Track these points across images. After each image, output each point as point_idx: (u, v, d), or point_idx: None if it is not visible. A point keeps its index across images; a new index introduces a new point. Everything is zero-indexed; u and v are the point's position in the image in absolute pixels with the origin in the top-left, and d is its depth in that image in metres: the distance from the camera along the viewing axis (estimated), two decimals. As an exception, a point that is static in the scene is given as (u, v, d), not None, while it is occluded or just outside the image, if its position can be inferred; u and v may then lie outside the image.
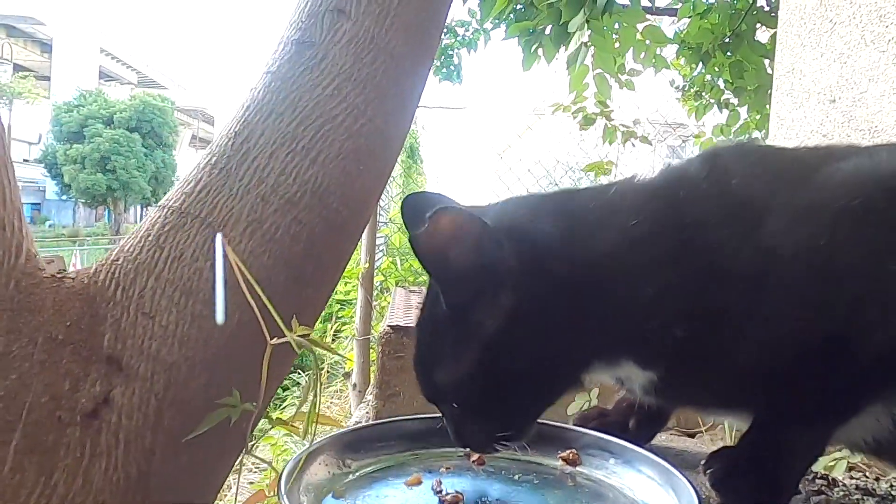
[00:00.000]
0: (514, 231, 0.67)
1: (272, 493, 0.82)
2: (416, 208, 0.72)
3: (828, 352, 0.62)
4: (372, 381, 2.54)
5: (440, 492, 0.63)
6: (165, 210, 0.70)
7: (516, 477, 0.69)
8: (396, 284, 3.48)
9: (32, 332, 0.58)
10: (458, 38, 3.63)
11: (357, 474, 0.68)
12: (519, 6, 3.35)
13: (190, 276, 0.66)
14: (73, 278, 0.64)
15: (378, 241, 3.92)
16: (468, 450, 0.72)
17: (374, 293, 3.42)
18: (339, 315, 4.43)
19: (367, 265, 3.14)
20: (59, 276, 0.63)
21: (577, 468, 0.71)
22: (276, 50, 0.80)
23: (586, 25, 3.00)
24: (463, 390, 0.67)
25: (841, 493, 0.78)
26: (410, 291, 2.49)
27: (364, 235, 3.22)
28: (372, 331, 3.11)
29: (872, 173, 0.64)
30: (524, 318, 0.65)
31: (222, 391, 0.64)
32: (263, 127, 0.74)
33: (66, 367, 0.59)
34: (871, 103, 1.62)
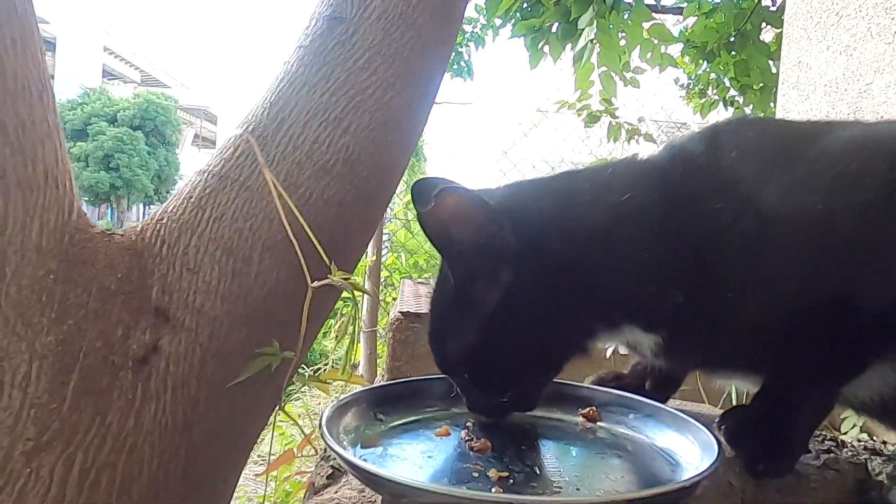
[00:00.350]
0: (514, 210, 0.70)
1: (301, 454, 0.85)
2: (425, 190, 0.76)
3: (830, 312, 0.65)
4: (379, 371, 2.57)
5: (469, 440, 0.66)
6: (206, 174, 0.73)
7: (539, 430, 0.73)
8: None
9: (87, 282, 0.62)
10: (466, 35, 3.67)
11: (388, 426, 0.71)
12: (525, 5, 3.38)
13: (230, 235, 0.69)
14: (121, 235, 0.67)
15: (382, 238, 3.95)
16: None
17: (379, 288, 3.45)
18: (344, 313, 4.45)
19: (374, 258, 3.17)
20: (108, 232, 0.67)
21: (598, 424, 0.74)
22: (308, 25, 0.83)
23: (595, 22, 3.03)
24: (470, 360, 0.71)
25: (849, 454, 0.81)
26: (418, 283, 2.53)
27: (371, 229, 3.25)
28: (378, 323, 3.14)
29: (870, 138, 0.67)
30: (523, 292, 0.68)
31: (261, 346, 0.68)
32: (297, 98, 0.77)
33: (117, 315, 0.62)
34: (876, 94, 1.65)
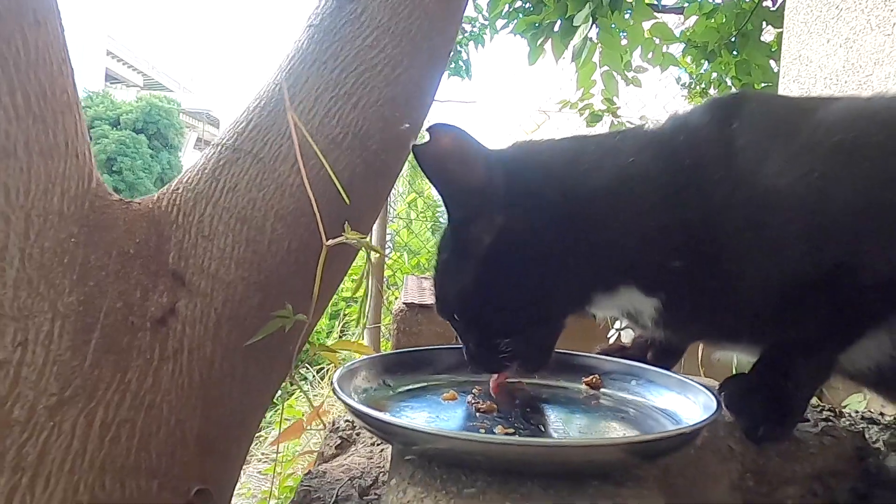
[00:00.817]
0: (513, 161, 0.72)
1: (310, 427, 0.87)
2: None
3: (828, 281, 0.66)
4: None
5: (475, 402, 0.68)
6: (220, 147, 0.75)
7: (544, 396, 0.74)
8: (405, 278, 3.53)
9: (107, 245, 0.64)
10: (466, 34, 3.70)
11: (396, 391, 0.73)
12: (528, 4, 3.40)
13: (244, 204, 0.71)
14: (139, 203, 0.70)
15: (386, 237, 3.97)
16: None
17: (383, 286, 3.47)
18: (346, 313, 4.48)
19: (378, 255, 3.18)
20: (126, 200, 0.69)
21: (602, 391, 0.76)
22: (318, 5, 0.85)
23: (591, 20, 3.05)
24: (464, 303, 0.72)
25: (847, 423, 0.82)
26: (421, 278, 2.55)
27: (375, 226, 3.28)
28: (382, 320, 3.16)
29: (866, 109, 0.69)
30: (515, 238, 0.70)
31: (275, 312, 0.70)
32: (308, 74, 0.79)
33: (136, 278, 0.64)
34: (876, 86, 1.66)
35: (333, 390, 0.60)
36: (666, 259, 0.68)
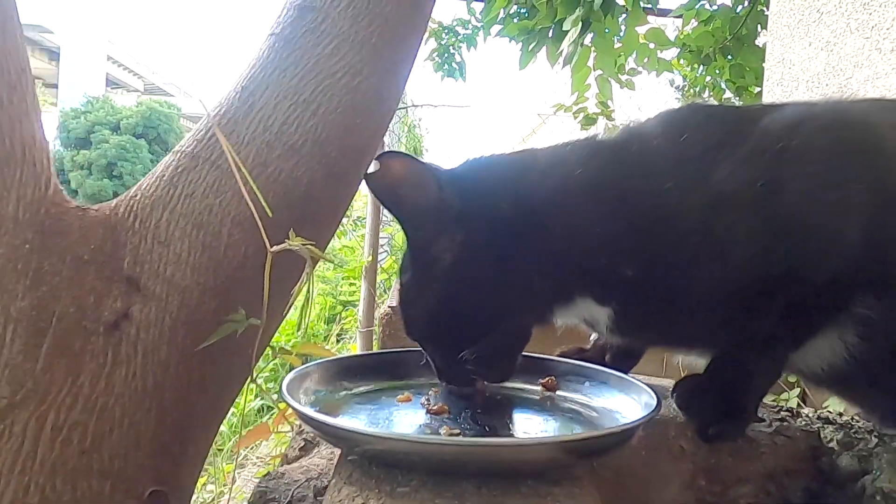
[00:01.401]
0: (464, 177, 0.75)
1: (276, 429, 0.88)
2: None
3: (776, 283, 0.68)
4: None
5: (427, 404, 0.69)
6: (179, 154, 0.77)
7: (498, 398, 0.76)
8: (399, 280, 3.53)
9: (61, 251, 0.65)
10: (459, 37, 3.71)
11: (351, 393, 0.74)
12: (523, 10, 3.41)
13: (201, 210, 0.73)
14: (96, 210, 0.71)
15: (381, 241, 3.99)
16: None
17: (378, 291, 3.48)
18: (344, 316, 4.49)
19: (370, 258, 3.20)
20: (83, 206, 0.70)
21: (557, 392, 0.77)
22: (279, 14, 0.86)
23: (582, 25, 3.05)
24: (432, 321, 0.74)
25: (803, 423, 0.83)
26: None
27: (368, 230, 3.30)
28: (375, 324, 3.17)
29: (808, 115, 0.70)
30: (474, 252, 0.72)
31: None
32: (268, 82, 0.81)
33: (90, 283, 0.65)
34: (856, 88, 1.68)
35: (279, 392, 0.61)
36: (618, 268, 0.70)
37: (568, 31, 3.00)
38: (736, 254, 0.68)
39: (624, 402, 0.69)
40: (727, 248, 0.68)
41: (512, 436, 0.62)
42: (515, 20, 3.40)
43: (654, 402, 0.62)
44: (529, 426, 0.68)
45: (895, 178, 0.69)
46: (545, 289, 0.73)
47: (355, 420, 0.65)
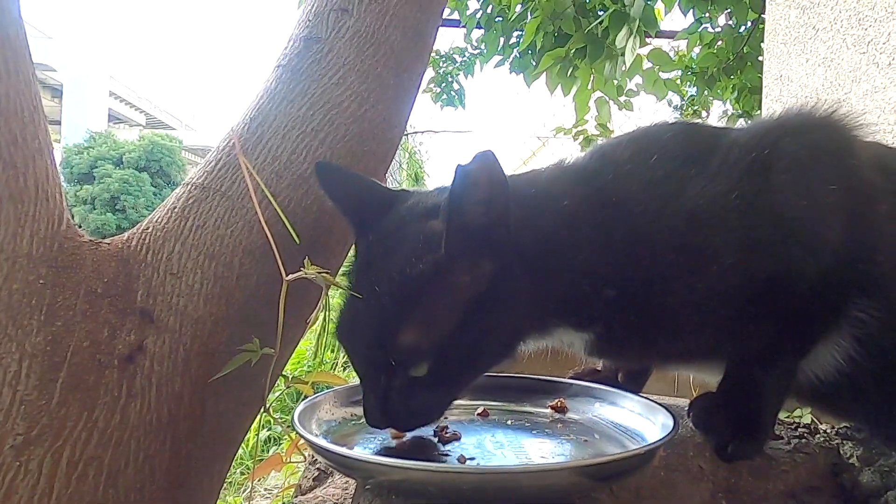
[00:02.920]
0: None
1: (288, 460, 0.87)
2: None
3: (764, 291, 0.67)
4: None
5: (442, 429, 0.69)
6: (189, 186, 0.77)
7: (509, 422, 0.75)
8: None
9: (75, 285, 0.65)
10: (456, 64, 3.75)
11: (362, 421, 0.73)
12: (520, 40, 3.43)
13: (212, 242, 0.73)
14: (108, 243, 0.71)
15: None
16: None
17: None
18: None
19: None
20: (96, 241, 0.70)
21: (567, 415, 0.76)
22: (286, 47, 0.88)
23: (637, 39, 2.99)
24: (442, 351, 0.63)
25: (822, 439, 0.82)
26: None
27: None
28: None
29: (776, 124, 0.71)
30: (498, 286, 0.64)
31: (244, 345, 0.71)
32: (276, 112, 0.82)
33: (104, 317, 0.66)
34: (854, 102, 1.69)
35: (291, 422, 0.61)
36: (601, 295, 0.67)
37: (619, 48, 2.97)
38: (716, 266, 0.67)
39: (642, 424, 0.68)
40: (707, 261, 0.67)
41: (528, 461, 0.62)
42: (515, 50, 3.43)
43: (672, 423, 0.62)
44: (543, 450, 0.67)
45: (866, 176, 0.70)
46: (527, 325, 0.69)
47: (369, 450, 0.64)
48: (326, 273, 0.66)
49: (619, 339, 0.72)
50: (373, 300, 0.63)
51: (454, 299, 0.63)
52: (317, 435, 0.65)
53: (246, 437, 0.85)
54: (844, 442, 0.83)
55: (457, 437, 0.67)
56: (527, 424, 0.74)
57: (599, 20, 2.85)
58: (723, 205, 0.66)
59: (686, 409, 0.77)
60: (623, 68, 3.11)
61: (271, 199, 0.71)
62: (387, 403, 0.62)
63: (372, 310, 0.63)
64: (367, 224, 0.70)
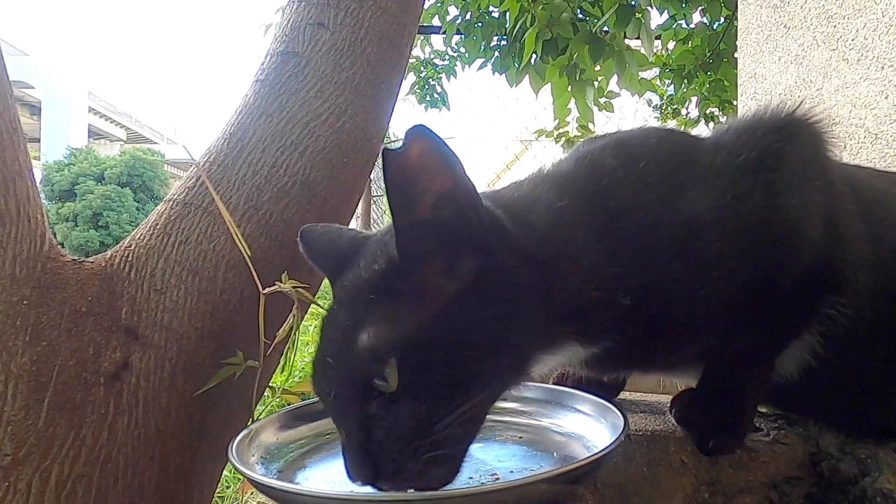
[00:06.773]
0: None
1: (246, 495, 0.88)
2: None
3: (756, 290, 0.69)
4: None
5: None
6: (171, 202, 0.78)
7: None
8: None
9: (59, 305, 0.66)
10: (437, 68, 3.77)
11: (317, 442, 0.70)
12: (503, 41, 3.45)
13: (195, 257, 0.74)
14: (91, 262, 0.72)
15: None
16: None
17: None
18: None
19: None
20: (79, 260, 0.71)
21: (522, 419, 0.77)
22: (263, 62, 0.89)
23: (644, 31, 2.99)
24: (416, 352, 0.54)
25: (800, 429, 0.84)
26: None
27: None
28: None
29: (757, 124, 0.72)
30: (490, 285, 0.58)
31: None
32: (255, 127, 0.83)
33: (89, 335, 0.66)
34: (826, 98, 1.72)
35: (230, 460, 0.58)
36: (611, 301, 0.66)
37: (611, 45, 2.98)
38: (718, 271, 0.68)
39: (593, 428, 0.68)
40: (710, 265, 0.68)
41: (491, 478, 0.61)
42: (497, 52, 3.45)
43: (621, 427, 0.61)
44: (498, 461, 0.66)
45: (841, 172, 0.72)
46: (534, 333, 0.63)
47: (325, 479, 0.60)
48: (303, 287, 0.67)
49: (626, 350, 0.70)
50: (339, 334, 0.57)
51: (423, 297, 0.56)
52: (254, 461, 0.62)
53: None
54: (823, 432, 0.85)
55: None
56: (484, 433, 0.64)
57: (604, 18, 2.86)
58: (720, 208, 0.67)
59: (669, 404, 0.79)
60: (633, 66, 3.10)
61: (231, 224, 0.71)
62: (370, 443, 0.53)
63: (339, 342, 0.57)
64: (339, 271, 0.63)
